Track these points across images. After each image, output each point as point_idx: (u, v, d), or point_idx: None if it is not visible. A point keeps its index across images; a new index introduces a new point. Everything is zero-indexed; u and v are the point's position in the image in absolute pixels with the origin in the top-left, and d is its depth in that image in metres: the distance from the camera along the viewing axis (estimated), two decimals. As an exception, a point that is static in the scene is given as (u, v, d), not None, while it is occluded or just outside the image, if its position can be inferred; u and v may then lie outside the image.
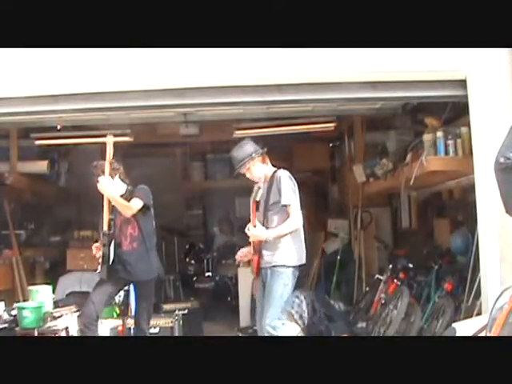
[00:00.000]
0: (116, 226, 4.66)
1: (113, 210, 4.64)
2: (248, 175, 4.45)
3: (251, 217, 4.26)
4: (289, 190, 4.27)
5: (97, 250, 4.64)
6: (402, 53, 4.28)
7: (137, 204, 4.59)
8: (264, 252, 4.34)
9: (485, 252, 4.33)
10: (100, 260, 4.58)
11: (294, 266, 4.31)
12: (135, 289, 4.90)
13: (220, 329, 7.05)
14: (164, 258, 8.84)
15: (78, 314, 5.03)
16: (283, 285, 4.27)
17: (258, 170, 4.42)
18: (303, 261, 4.41)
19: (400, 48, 4.19)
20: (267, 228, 4.28)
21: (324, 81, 4.47)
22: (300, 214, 4.30)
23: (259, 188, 4.23)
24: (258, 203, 4.30)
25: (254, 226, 4.22)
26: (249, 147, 4.40)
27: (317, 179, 9.54)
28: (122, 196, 4.64)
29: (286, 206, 4.25)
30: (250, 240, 4.35)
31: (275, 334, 4.13)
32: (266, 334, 4.16)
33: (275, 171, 4.41)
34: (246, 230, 4.30)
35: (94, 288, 4.74)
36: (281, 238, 4.27)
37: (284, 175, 4.33)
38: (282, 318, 4.28)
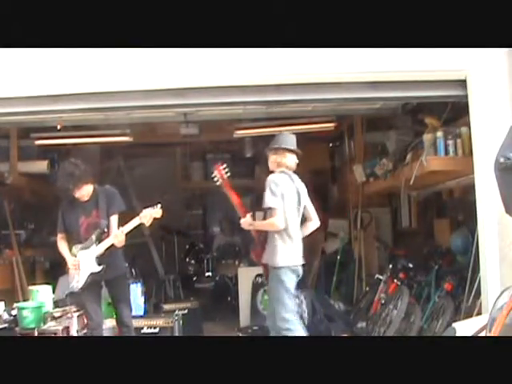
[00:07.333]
0: (81, 227, 4.52)
1: (74, 211, 4.53)
2: (278, 160, 4.57)
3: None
4: (269, 194, 4.37)
5: (75, 268, 4.50)
6: (402, 53, 4.29)
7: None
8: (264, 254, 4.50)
9: (485, 252, 4.34)
10: (74, 272, 4.48)
11: (285, 267, 4.35)
12: (108, 289, 4.72)
13: (220, 329, 7.04)
14: (164, 258, 8.86)
15: (78, 314, 5.05)
16: (277, 285, 4.35)
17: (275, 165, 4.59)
18: (298, 261, 4.45)
19: (400, 48, 4.19)
20: None
21: (324, 81, 4.48)
22: (281, 219, 4.34)
23: None
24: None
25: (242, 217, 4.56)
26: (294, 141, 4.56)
27: (317, 179, 9.52)
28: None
29: (269, 209, 4.37)
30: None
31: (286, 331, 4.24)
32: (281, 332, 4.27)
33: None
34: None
35: (81, 301, 4.66)
36: (270, 241, 4.41)
37: (268, 180, 4.43)
38: (287, 317, 4.31)
